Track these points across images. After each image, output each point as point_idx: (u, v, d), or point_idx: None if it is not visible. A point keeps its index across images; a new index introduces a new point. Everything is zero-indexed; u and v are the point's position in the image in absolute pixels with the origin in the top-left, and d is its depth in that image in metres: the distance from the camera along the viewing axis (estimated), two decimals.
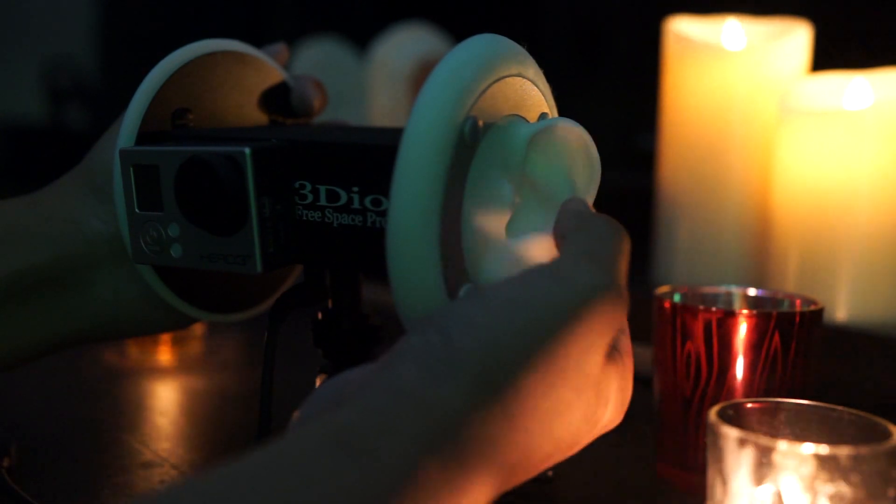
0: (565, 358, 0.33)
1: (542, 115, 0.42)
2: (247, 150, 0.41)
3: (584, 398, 0.34)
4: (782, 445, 0.36)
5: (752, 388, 0.49)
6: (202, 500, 0.26)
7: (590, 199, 0.41)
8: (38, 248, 0.46)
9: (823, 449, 0.35)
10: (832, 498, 0.35)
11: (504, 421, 0.31)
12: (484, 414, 0.31)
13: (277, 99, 0.52)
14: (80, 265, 0.47)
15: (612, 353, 0.37)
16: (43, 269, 0.46)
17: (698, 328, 0.50)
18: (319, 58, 1.12)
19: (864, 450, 0.35)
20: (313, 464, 0.28)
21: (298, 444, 0.29)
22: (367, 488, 0.27)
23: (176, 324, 0.51)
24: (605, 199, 0.43)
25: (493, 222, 0.39)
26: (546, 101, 0.43)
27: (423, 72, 1.00)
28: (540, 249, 0.40)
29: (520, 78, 0.40)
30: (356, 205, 0.41)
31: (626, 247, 0.37)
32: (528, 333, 0.33)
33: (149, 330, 0.50)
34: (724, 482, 0.38)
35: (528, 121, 0.41)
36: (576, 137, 0.40)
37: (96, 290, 0.48)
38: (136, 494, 0.49)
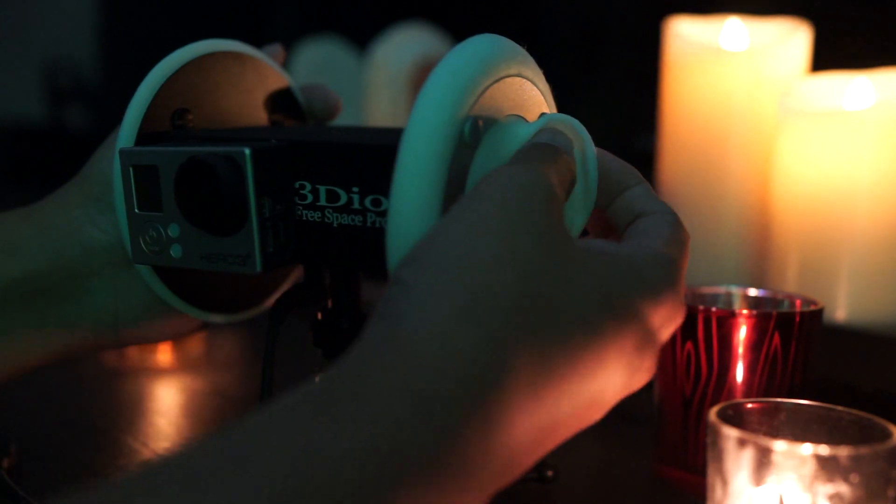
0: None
1: (542, 115, 0.42)
2: (246, 151, 0.41)
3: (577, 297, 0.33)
4: (782, 445, 0.36)
5: (752, 388, 0.50)
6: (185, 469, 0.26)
7: (590, 198, 0.41)
8: (37, 257, 0.46)
9: (823, 449, 0.35)
10: (832, 498, 0.35)
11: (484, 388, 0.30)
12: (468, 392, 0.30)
13: (283, 101, 0.52)
14: (78, 273, 0.47)
15: (620, 311, 0.34)
16: (41, 278, 0.46)
17: (698, 328, 0.50)
18: (319, 58, 1.12)
19: (864, 450, 0.35)
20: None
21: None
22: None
23: (176, 332, 0.51)
24: None
25: None
26: (546, 101, 0.43)
27: (422, 72, 1.00)
28: None
29: (520, 78, 0.40)
30: (356, 205, 0.41)
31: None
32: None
33: (149, 338, 0.50)
34: (724, 482, 0.38)
35: (528, 121, 0.41)
36: (576, 137, 0.40)
37: (96, 299, 0.48)
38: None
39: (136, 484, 0.26)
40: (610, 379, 0.34)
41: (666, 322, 0.36)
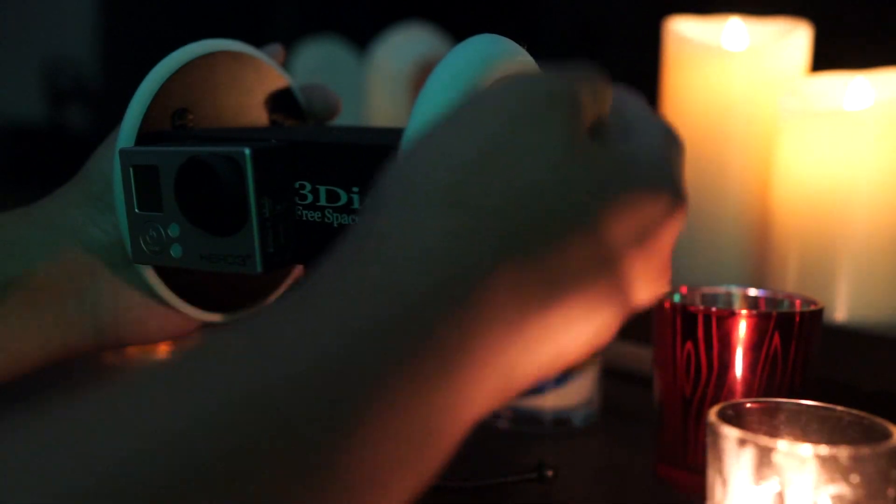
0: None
1: None
2: (246, 151, 0.41)
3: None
4: (782, 445, 0.36)
5: (752, 388, 0.50)
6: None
7: None
8: (35, 256, 0.46)
9: (823, 449, 0.35)
10: (832, 498, 0.35)
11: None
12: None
13: (283, 101, 0.52)
14: (78, 273, 0.47)
15: (614, 203, 0.33)
16: (40, 277, 0.46)
17: (698, 328, 0.50)
18: (319, 58, 1.12)
19: (864, 450, 0.35)
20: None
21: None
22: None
23: (176, 332, 0.50)
24: None
25: None
26: None
27: (422, 72, 1.00)
28: None
29: None
30: (356, 205, 0.41)
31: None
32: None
33: (149, 338, 0.50)
34: (724, 482, 0.38)
35: None
36: None
37: (96, 299, 0.48)
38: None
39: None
40: (603, 276, 0.32)
41: (663, 218, 0.35)
